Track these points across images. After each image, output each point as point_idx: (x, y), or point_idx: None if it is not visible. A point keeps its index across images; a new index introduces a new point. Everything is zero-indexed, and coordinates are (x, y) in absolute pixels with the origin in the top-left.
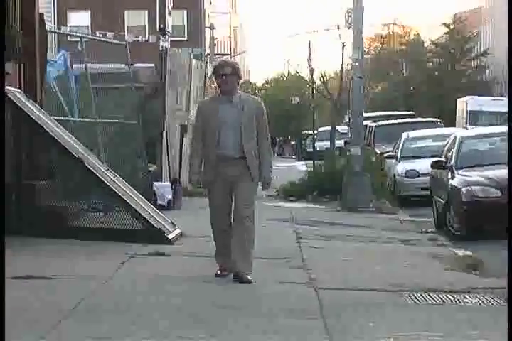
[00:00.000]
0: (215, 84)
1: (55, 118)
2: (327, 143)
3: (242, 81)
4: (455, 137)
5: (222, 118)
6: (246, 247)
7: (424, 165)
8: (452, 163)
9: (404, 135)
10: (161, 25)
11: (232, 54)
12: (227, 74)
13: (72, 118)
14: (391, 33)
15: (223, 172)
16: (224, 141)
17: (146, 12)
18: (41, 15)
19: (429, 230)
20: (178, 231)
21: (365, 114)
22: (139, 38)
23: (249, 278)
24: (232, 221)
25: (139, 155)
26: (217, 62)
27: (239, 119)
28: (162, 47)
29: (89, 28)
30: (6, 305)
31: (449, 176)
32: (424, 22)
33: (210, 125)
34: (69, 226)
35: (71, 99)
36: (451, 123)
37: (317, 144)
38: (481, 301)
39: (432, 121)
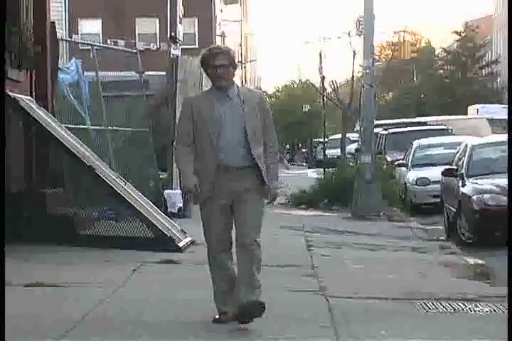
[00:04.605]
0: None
1: (67, 125)
2: (338, 151)
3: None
4: (466, 145)
5: (221, 117)
6: (256, 279)
7: (435, 173)
8: (463, 170)
9: (416, 143)
10: (172, 33)
11: (243, 62)
12: (223, 66)
13: (83, 126)
14: (402, 40)
15: (226, 188)
16: (225, 147)
17: (157, 20)
18: (53, 24)
19: (440, 238)
20: (188, 239)
21: (376, 122)
22: (150, 46)
23: (261, 300)
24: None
25: (150, 163)
26: (206, 49)
27: (242, 118)
28: (173, 55)
29: (101, 35)
30: (15, 312)
31: (460, 184)
32: (435, 30)
33: (204, 127)
34: (80, 234)
35: (83, 106)
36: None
37: (328, 152)
38: (492, 309)
39: (443, 129)
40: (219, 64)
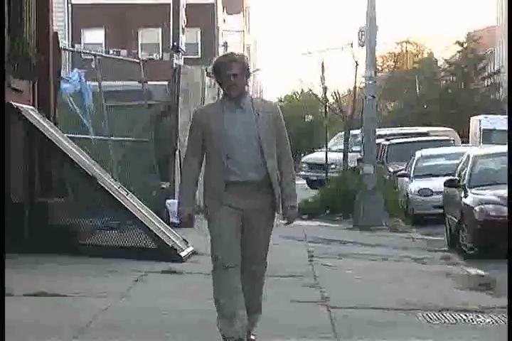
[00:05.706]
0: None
1: (69, 135)
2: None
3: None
4: (468, 156)
5: (232, 129)
6: (257, 304)
7: (437, 183)
8: (465, 181)
9: (418, 153)
10: (175, 43)
11: None
12: (236, 74)
13: (85, 136)
14: (404, 51)
15: (238, 205)
16: (236, 161)
17: (160, 30)
18: (55, 33)
19: (442, 248)
20: (190, 248)
21: (378, 132)
22: (153, 56)
23: (252, 337)
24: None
25: (152, 173)
26: (219, 56)
27: (255, 129)
28: (175, 65)
29: (103, 45)
30: (18, 321)
31: (462, 195)
32: (437, 40)
33: (213, 139)
34: (82, 243)
35: (86, 116)
36: (465, 141)
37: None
38: (493, 320)
39: (445, 140)
40: (232, 73)
